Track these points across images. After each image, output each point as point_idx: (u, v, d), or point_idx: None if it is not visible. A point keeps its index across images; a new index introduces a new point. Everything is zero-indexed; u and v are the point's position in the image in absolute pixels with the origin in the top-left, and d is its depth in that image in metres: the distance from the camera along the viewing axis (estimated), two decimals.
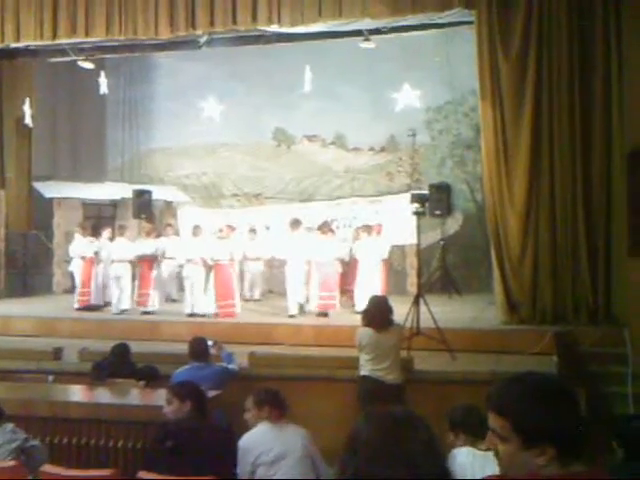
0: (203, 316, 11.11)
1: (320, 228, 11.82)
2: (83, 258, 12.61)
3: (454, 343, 8.46)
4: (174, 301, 13.02)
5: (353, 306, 11.41)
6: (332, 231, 12.08)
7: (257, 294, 13.64)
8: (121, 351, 7.33)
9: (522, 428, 1.81)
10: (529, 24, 9.64)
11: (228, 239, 11.74)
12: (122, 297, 11.88)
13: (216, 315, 11.09)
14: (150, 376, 7.19)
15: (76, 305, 12.29)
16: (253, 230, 13.58)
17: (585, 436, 1.82)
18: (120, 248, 12.18)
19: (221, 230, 11.76)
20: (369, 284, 11.09)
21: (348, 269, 12.31)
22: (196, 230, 12.04)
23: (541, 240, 9.62)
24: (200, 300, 11.34)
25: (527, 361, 7.90)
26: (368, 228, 11.89)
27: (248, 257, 13.03)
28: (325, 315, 11.07)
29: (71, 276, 13.41)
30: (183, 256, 11.86)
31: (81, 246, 12.74)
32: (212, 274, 11.43)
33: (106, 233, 13.11)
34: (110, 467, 5.07)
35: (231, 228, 12.25)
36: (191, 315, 11.18)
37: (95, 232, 12.85)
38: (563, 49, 9.52)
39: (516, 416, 1.82)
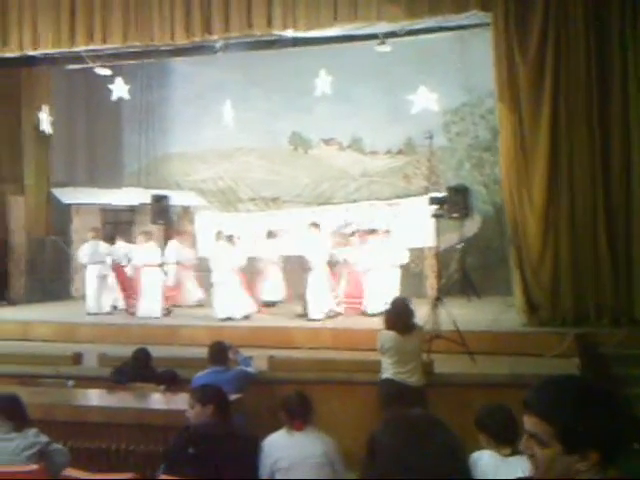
0: (247, 318, 11.15)
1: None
2: (94, 263, 12.66)
3: (474, 346, 8.39)
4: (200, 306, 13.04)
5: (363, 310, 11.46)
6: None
7: (276, 297, 13.61)
8: (142, 356, 7.36)
9: (567, 434, 1.78)
10: (546, 25, 9.58)
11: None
12: (152, 303, 11.83)
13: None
14: (170, 380, 7.22)
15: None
16: (271, 233, 13.57)
17: (626, 440, 1.79)
18: (151, 253, 12.19)
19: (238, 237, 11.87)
20: (381, 288, 11.10)
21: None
22: (230, 238, 12.04)
23: (561, 241, 9.54)
24: (233, 304, 11.30)
25: (548, 364, 7.83)
26: (374, 232, 12.04)
27: (267, 260, 13.05)
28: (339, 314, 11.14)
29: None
30: (218, 266, 11.64)
31: (91, 251, 12.78)
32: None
33: (122, 242, 13.19)
34: (130, 471, 5.07)
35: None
36: (226, 319, 11.01)
37: (110, 238, 12.89)
38: (581, 50, 9.46)
39: (561, 422, 1.79)
